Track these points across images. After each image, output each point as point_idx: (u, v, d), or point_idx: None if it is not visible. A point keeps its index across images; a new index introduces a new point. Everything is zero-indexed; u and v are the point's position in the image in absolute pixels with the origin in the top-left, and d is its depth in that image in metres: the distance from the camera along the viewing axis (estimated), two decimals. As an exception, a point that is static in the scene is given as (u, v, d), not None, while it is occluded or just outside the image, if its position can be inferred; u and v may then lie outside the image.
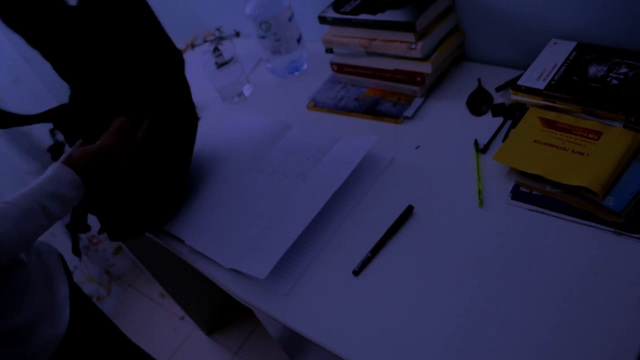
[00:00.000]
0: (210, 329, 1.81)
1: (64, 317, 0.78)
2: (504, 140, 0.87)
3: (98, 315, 0.92)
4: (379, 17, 0.98)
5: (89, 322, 0.86)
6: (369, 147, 0.91)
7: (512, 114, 0.91)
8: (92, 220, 0.96)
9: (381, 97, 1.06)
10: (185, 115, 0.99)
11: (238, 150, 1.07)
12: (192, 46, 1.51)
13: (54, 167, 0.77)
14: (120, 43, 0.88)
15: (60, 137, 0.94)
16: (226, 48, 1.24)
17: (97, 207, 0.93)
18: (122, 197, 0.92)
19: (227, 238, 0.90)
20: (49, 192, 0.72)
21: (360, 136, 0.96)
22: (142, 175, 0.92)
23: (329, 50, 1.12)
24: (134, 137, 0.88)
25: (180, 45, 1.66)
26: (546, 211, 0.75)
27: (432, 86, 1.04)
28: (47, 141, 1.56)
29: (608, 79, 0.80)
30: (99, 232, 0.98)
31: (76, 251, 0.94)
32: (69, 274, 0.88)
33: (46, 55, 0.85)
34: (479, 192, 0.81)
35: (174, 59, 0.96)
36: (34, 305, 0.74)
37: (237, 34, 1.45)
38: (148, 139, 0.91)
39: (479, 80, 1.01)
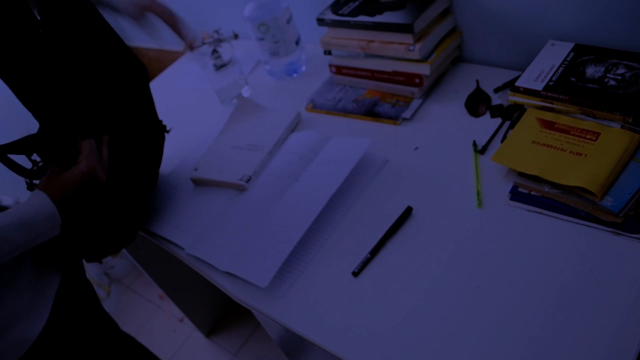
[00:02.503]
0: (210, 330, 1.81)
1: (41, 318, 0.77)
2: (502, 141, 0.87)
3: (87, 308, 0.90)
4: (377, 18, 0.98)
5: (70, 320, 0.84)
6: (363, 150, 0.91)
7: (511, 115, 0.91)
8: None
9: (380, 99, 1.07)
10: (151, 125, 0.99)
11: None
12: (191, 48, 1.51)
13: (32, 196, 0.73)
14: (84, 64, 0.86)
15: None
16: (225, 50, 1.24)
17: (70, 232, 0.87)
18: (94, 217, 0.89)
19: (223, 242, 0.90)
20: (16, 222, 0.68)
21: (353, 137, 0.96)
22: (113, 192, 0.90)
23: (328, 52, 1.12)
24: (100, 156, 0.85)
25: (178, 47, 1.67)
26: (545, 212, 0.75)
27: (431, 88, 1.04)
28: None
29: (606, 80, 0.81)
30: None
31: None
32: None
33: (13, 86, 0.81)
34: (478, 193, 0.81)
35: (139, 73, 0.95)
36: (14, 307, 0.73)
37: (236, 36, 1.45)
38: (115, 154, 0.89)
39: (477, 81, 1.01)
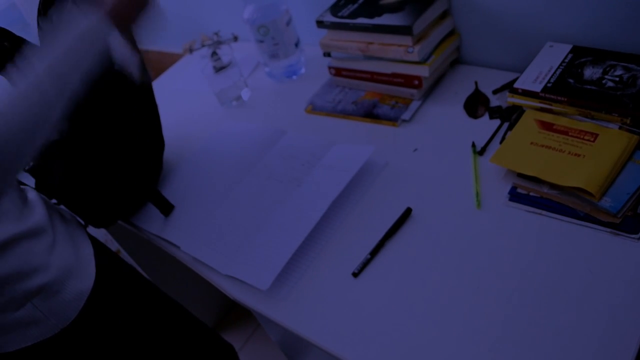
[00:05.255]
0: (210, 332, 1.81)
1: (90, 272, 0.83)
2: (501, 143, 0.88)
3: (124, 269, 0.96)
4: (376, 21, 0.99)
5: (115, 276, 0.90)
6: (366, 157, 0.91)
7: (509, 116, 0.92)
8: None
9: (379, 101, 1.07)
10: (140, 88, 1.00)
11: (232, 157, 1.08)
12: (190, 50, 1.51)
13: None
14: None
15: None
16: (224, 52, 1.24)
17: (75, 194, 0.95)
18: (99, 180, 0.95)
19: (224, 245, 0.90)
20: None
21: (355, 144, 0.97)
22: (116, 158, 0.95)
23: (327, 54, 1.12)
24: None
25: (178, 49, 1.67)
26: (543, 212, 0.76)
27: (430, 89, 1.05)
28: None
29: (603, 81, 0.81)
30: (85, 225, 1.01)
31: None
32: (90, 237, 0.92)
33: None
34: (477, 194, 0.81)
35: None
36: (62, 263, 0.78)
37: (235, 38, 1.45)
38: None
39: (475, 83, 1.01)
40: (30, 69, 0.62)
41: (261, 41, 1.18)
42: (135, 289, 0.95)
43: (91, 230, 1.01)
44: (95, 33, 0.67)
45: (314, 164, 0.96)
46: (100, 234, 1.69)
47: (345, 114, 1.08)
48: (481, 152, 0.88)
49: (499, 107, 0.95)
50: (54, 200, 0.95)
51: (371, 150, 0.92)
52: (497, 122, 0.93)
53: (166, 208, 1.00)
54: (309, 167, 0.96)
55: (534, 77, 0.86)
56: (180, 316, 1.05)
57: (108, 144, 0.93)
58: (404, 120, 1.01)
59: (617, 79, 0.81)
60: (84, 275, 0.81)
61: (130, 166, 0.98)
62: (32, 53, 0.65)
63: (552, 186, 0.77)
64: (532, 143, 0.81)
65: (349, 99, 1.11)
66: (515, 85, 0.87)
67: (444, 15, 1.02)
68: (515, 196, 0.79)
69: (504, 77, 0.99)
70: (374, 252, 0.80)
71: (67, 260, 0.80)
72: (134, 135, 0.98)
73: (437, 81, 1.06)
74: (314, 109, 1.12)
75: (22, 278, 0.73)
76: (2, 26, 0.83)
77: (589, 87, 0.81)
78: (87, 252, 0.85)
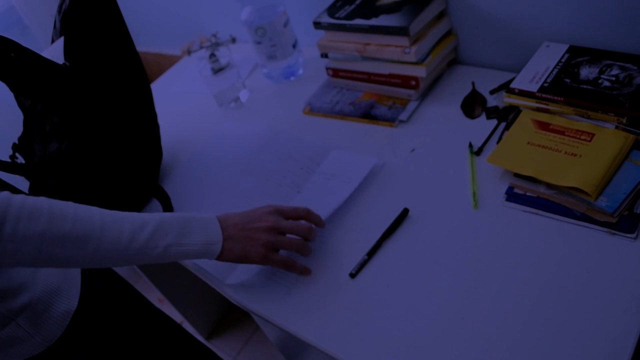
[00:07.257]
0: (209, 334, 1.81)
1: (75, 292, 0.80)
2: (498, 143, 0.88)
3: (114, 284, 0.94)
4: (373, 21, 0.99)
5: (103, 292, 0.88)
6: (369, 168, 0.91)
7: (506, 116, 0.92)
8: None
9: (376, 101, 1.07)
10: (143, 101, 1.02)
11: (230, 158, 1.08)
12: (189, 52, 1.51)
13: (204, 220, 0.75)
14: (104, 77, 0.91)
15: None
16: (222, 54, 1.24)
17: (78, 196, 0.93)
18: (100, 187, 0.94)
19: None
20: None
21: (353, 145, 0.96)
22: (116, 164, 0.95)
23: (324, 55, 1.12)
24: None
25: (176, 51, 1.68)
26: (540, 212, 0.76)
27: (427, 90, 1.05)
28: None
29: (600, 81, 0.81)
30: None
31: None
32: None
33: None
34: (474, 194, 0.82)
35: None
36: (48, 280, 0.76)
37: (233, 40, 1.46)
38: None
39: (472, 83, 1.02)
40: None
41: (259, 42, 1.18)
42: (124, 304, 0.92)
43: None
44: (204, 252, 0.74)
45: (313, 169, 0.96)
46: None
47: (342, 114, 1.08)
48: (478, 152, 0.88)
49: (496, 107, 0.95)
50: None
51: (373, 162, 0.92)
52: (494, 122, 0.93)
53: (167, 208, 1.00)
54: (308, 173, 0.96)
55: (530, 77, 0.87)
56: (172, 332, 1.02)
57: (105, 157, 0.92)
58: (402, 121, 1.01)
59: (614, 78, 0.81)
60: (71, 293, 0.79)
61: (127, 175, 0.97)
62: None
63: (549, 186, 0.77)
64: (528, 143, 0.81)
65: (347, 100, 1.11)
66: (512, 85, 0.87)
67: (441, 15, 1.02)
68: (512, 196, 0.79)
69: (501, 77, 0.99)
70: (371, 253, 0.80)
71: (54, 278, 0.77)
72: (132, 146, 0.97)
73: (434, 82, 1.06)
74: (312, 110, 1.13)
75: (6, 296, 0.70)
76: (4, 34, 0.83)
77: (585, 86, 0.81)
78: (75, 270, 0.83)
